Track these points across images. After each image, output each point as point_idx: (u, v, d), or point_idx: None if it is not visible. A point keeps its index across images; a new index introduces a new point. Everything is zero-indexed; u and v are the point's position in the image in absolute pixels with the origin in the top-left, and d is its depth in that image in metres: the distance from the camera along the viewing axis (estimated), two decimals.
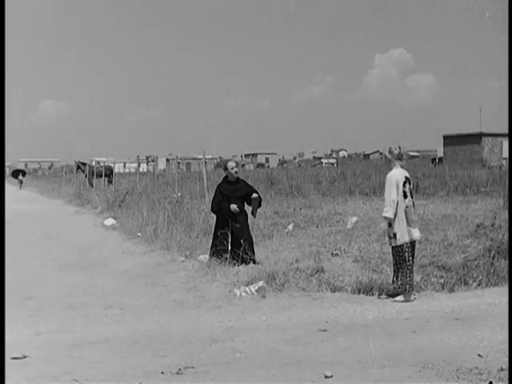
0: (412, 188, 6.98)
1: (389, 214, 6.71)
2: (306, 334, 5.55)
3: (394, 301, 6.76)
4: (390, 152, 6.96)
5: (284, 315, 6.30)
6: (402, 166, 6.96)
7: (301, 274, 7.61)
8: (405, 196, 6.79)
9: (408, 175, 6.98)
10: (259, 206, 9.16)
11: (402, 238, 6.76)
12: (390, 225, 6.78)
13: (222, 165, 9.41)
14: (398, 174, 6.84)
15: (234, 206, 8.68)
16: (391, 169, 6.94)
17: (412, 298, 6.81)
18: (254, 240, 9.12)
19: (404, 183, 6.82)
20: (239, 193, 8.88)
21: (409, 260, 6.80)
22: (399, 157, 6.95)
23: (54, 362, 4.94)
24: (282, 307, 6.66)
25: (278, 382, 4.29)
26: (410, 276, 6.80)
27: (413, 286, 6.88)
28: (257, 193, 9.03)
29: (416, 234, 6.85)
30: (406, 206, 6.77)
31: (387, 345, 5.11)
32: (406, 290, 6.79)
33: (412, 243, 6.89)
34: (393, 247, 6.88)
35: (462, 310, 6.27)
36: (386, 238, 7.03)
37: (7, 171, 66.32)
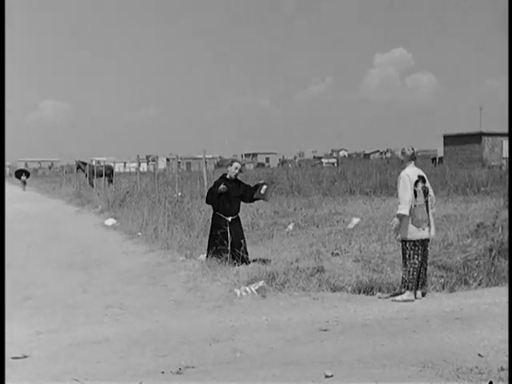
0: (426, 187, 6.98)
1: (404, 210, 6.72)
2: (307, 334, 5.55)
3: (394, 300, 6.76)
4: (403, 153, 7.02)
5: (284, 315, 6.29)
6: (415, 165, 7.00)
7: (301, 273, 7.61)
8: (415, 195, 6.80)
9: (422, 173, 7.00)
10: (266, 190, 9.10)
11: (402, 234, 6.79)
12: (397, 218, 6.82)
13: (230, 162, 9.41)
14: (411, 173, 6.87)
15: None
16: (404, 168, 6.97)
17: (412, 297, 6.80)
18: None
19: (416, 182, 6.83)
20: (236, 193, 8.89)
21: (412, 258, 6.79)
22: (412, 158, 6.98)
23: (54, 362, 4.94)
24: (283, 307, 6.66)
25: (277, 382, 4.29)
26: (412, 275, 6.78)
27: (416, 285, 6.86)
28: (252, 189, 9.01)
29: (419, 233, 6.82)
30: (415, 206, 6.77)
31: (387, 344, 5.11)
32: (407, 289, 6.78)
33: (422, 242, 6.87)
34: (401, 244, 6.90)
35: (462, 309, 6.26)
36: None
37: (7, 171, 66.29)
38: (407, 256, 6.81)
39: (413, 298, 6.78)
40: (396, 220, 6.79)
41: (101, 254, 10.70)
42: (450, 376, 4.26)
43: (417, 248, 6.81)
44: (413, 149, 7.02)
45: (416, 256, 6.81)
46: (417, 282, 6.84)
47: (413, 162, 6.99)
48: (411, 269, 6.79)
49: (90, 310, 6.82)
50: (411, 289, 6.79)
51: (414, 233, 6.79)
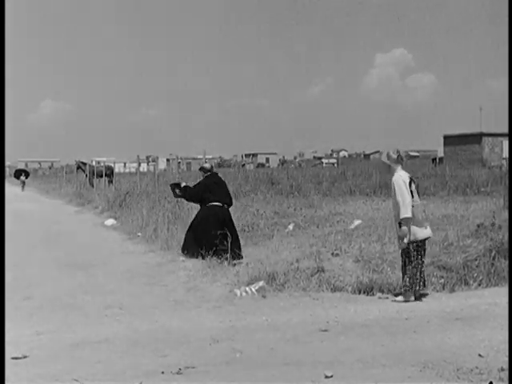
0: (416, 187, 6.97)
1: (408, 214, 6.65)
2: (307, 334, 5.55)
3: (395, 300, 6.76)
4: (389, 158, 6.94)
5: (284, 315, 6.29)
6: (403, 168, 6.97)
7: (301, 274, 7.61)
8: (411, 195, 6.79)
9: (410, 176, 6.98)
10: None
11: (407, 237, 6.76)
12: (400, 225, 6.76)
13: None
14: (403, 175, 6.84)
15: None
16: (392, 173, 6.91)
17: (413, 297, 6.78)
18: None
19: (410, 183, 6.82)
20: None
21: (416, 259, 6.77)
22: (399, 161, 6.93)
23: (54, 362, 4.94)
24: (283, 307, 6.66)
25: (278, 382, 4.29)
26: (416, 275, 6.75)
27: (421, 284, 6.86)
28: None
29: (422, 233, 6.80)
30: (412, 206, 6.76)
31: (387, 345, 5.10)
32: (407, 290, 6.77)
33: (423, 242, 6.86)
34: (402, 247, 6.87)
35: (462, 309, 6.26)
36: (399, 241, 6.94)
37: (7, 171, 66.21)
38: (412, 257, 6.76)
39: (413, 298, 6.78)
40: (405, 228, 6.71)
41: (101, 254, 10.70)
42: (450, 376, 4.26)
43: (420, 248, 6.80)
44: (398, 151, 6.95)
45: (420, 256, 6.78)
46: (419, 282, 6.83)
47: (400, 166, 6.94)
48: (414, 269, 6.76)
49: (90, 310, 6.82)
50: (414, 289, 6.77)
51: (418, 233, 6.76)
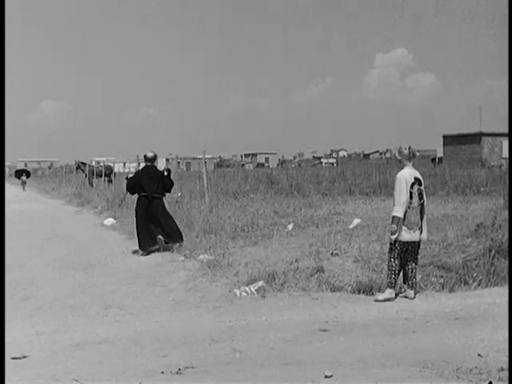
0: (422, 189, 6.96)
1: (399, 213, 6.68)
2: (306, 334, 5.55)
3: (376, 300, 6.74)
4: (400, 152, 6.96)
5: (284, 315, 6.30)
6: (413, 166, 6.97)
7: (301, 273, 7.62)
8: (410, 197, 6.78)
9: (419, 176, 6.96)
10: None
11: (394, 235, 6.78)
12: (393, 221, 6.77)
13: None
14: (407, 174, 6.84)
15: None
16: (401, 169, 6.93)
17: (393, 295, 6.77)
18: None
19: (412, 184, 6.81)
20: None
21: (397, 259, 6.78)
22: (409, 157, 6.94)
23: (54, 362, 4.94)
24: (282, 307, 6.66)
25: (278, 382, 4.29)
26: (394, 273, 6.77)
27: (413, 285, 6.89)
28: None
29: (408, 235, 6.79)
30: (408, 207, 6.76)
31: (387, 345, 5.11)
32: (388, 287, 6.78)
33: (410, 244, 6.86)
34: (389, 243, 6.90)
35: (462, 309, 6.27)
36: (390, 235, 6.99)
37: (7, 171, 66.20)
38: (395, 255, 6.79)
39: (393, 296, 6.77)
40: (394, 226, 6.73)
41: (101, 254, 10.70)
42: (450, 376, 4.26)
43: (404, 249, 6.81)
44: (410, 148, 6.96)
45: (399, 256, 6.79)
46: (408, 281, 6.85)
47: (411, 163, 6.96)
48: (393, 269, 6.78)
49: (90, 311, 6.82)
50: (392, 287, 6.78)
51: (405, 234, 6.77)
